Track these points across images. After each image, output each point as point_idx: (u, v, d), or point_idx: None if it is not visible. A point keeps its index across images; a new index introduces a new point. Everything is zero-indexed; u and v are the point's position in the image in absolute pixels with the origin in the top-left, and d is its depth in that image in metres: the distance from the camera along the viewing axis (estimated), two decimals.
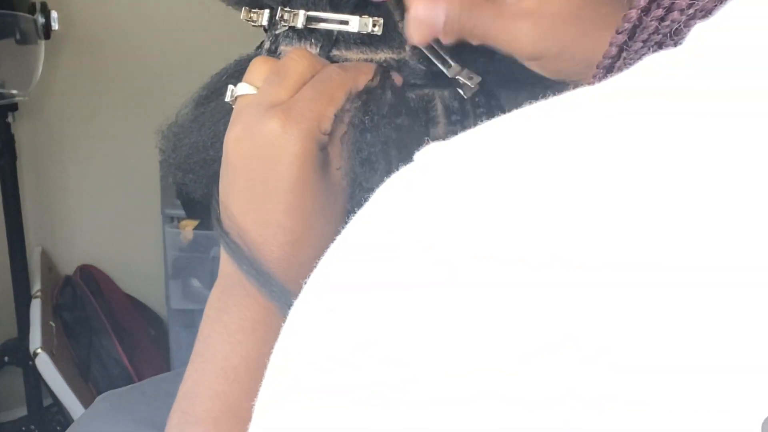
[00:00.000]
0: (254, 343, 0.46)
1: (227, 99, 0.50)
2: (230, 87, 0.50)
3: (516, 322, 0.20)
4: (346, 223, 0.43)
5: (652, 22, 0.29)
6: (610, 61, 0.32)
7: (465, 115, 0.51)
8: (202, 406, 0.46)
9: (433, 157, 0.24)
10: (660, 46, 0.29)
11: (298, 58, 0.48)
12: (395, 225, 0.23)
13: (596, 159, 0.21)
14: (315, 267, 0.40)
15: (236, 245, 0.46)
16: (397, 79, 0.49)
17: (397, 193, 0.24)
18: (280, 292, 0.45)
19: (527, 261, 0.20)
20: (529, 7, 0.46)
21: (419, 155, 0.25)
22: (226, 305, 0.48)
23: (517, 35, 0.46)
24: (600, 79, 0.32)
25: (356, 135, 0.47)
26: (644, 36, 0.30)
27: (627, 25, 0.31)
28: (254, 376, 0.43)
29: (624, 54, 0.31)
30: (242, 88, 0.48)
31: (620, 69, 0.31)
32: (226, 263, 0.48)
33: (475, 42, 0.47)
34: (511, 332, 0.20)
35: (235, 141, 0.47)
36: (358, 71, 0.48)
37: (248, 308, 0.47)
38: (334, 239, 0.44)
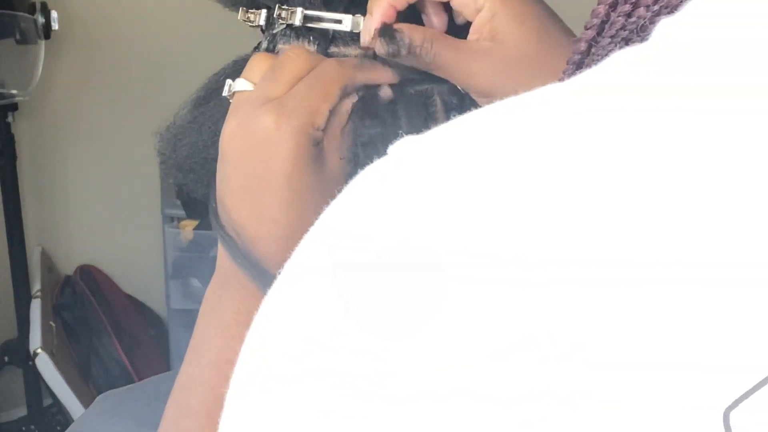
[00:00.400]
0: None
1: (225, 94, 0.50)
2: (228, 82, 0.50)
3: (489, 317, 0.20)
4: None
5: (620, 18, 0.30)
6: (579, 56, 0.32)
7: (464, 110, 0.51)
8: (196, 399, 0.47)
9: (406, 150, 0.25)
10: (627, 42, 0.29)
11: (295, 55, 0.48)
12: (368, 218, 0.24)
13: (565, 155, 0.22)
14: None
15: (232, 239, 0.47)
16: (387, 76, 0.49)
17: (371, 185, 0.25)
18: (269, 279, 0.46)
19: (499, 256, 0.21)
20: (486, 47, 0.48)
21: (393, 148, 0.25)
22: (221, 299, 0.48)
23: (472, 72, 0.48)
24: (569, 75, 0.32)
25: (354, 132, 0.48)
26: (612, 32, 0.30)
27: (595, 21, 0.31)
28: None
29: (593, 50, 0.32)
30: (240, 84, 0.49)
31: (589, 65, 0.31)
32: (222, 257, 0.49)
33: (432, 72, 0.49)
34: (483, 328, 0.20)
35: (231, 136, 0.47)
36: (354, 67, 0.48)
37: (243, 302, 0.47)
38: None
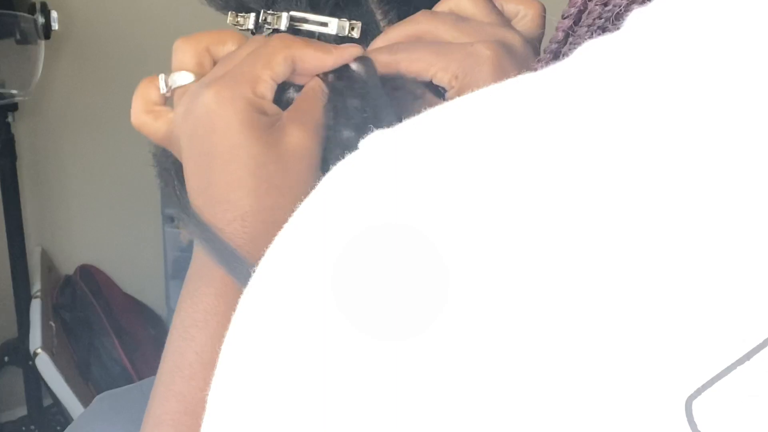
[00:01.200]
0: (207, 337, 0.43)
1: (162, 91, 0.48)
2: (162, 77, 0.48)
3: (459, 312, 0.20)
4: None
5: (596, 7, 0.30)
6: (556, 45, 0.32)
7: None
8: (161, 408, 0.44)
9: (377, 145, 0.25)
10: (603, 30, 0.29)
11: (252, 40, 0.48)
12: (340, 215, 0.23)
13: (537, 145, 0.22)
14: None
15: (197, 227, 0.45)
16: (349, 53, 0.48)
17: (343, 182, 0.25)
18: (242, 269, 0.43)
19: (473, 252, 0.20)
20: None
21: (364, 143, 0.25)
22: (182, 299, 0.46)
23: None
24: (546, 64, 0.32)
25: (335, 114, 0.47)
26: (589, 21, 0.30)
27: (573, 10, 0.31)
28: (210, 372, 0.42)
29: (570, 39, 0.32)
30: (181, 78, 0.47)
31: (566, 54, 0.31)
32: (195, 252, 0.47)
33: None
34: (465, 326, 0.20)
35: (181, 122, 0.46)
36: (307, 42, 0.47)
37: (201, 300, 0.44)
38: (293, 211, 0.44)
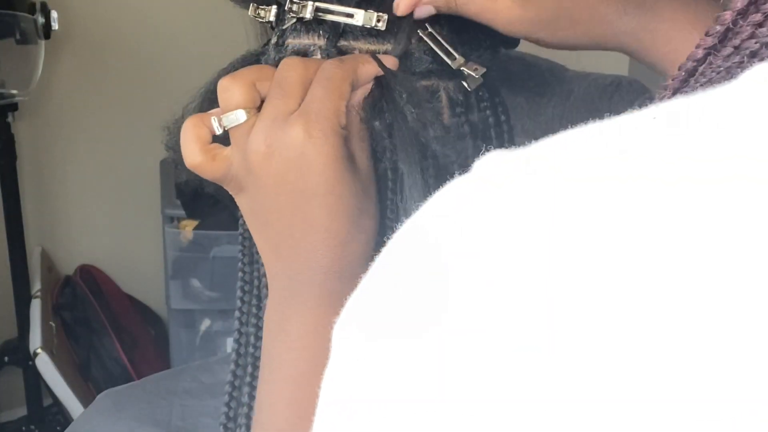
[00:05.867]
0: (319, 347, 0.44)
1: (217, 132, 0.48)
2: (214, 119, 0.48)
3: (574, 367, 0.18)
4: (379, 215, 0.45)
5: (748, 27, 0.27)
6: (694, 64, 0.30)
7: (469, 108, 0.52)
8: (279, 415, 0.46)
9: (495, 169, 0.21)
10: (754, 55, 0.27)
11: (291, 64, 0.47)
12: (451, 253, 0.20)
13: (666, 204, 0.19)
14: (365, 264, 0.41)
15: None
16: (391, 62, 0.49)
17: (455, 209, 0.22)
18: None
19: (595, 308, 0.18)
20: None
21: (480, 165, 0.22)
22: (286, 316, 0.47)
23: (497, 9, 0.49)
24: (680, 83, 0.30)
25: (374, 127, 0.48)
26: (737, 41, 0.28)
27: (719, 28, 0.28)
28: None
29: (710, 58, 0.29)
30: (236, 117, 0.47)
31: (703, 74, 0.29)
32: (276, 279, 0.48)
33: (461, 14, 0.50)
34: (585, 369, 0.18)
35: (263, 160, 0.45)
36: (356, 61, 0.48)
37: (310, 315, 0.46)
38: (374, 232, 0.45)
